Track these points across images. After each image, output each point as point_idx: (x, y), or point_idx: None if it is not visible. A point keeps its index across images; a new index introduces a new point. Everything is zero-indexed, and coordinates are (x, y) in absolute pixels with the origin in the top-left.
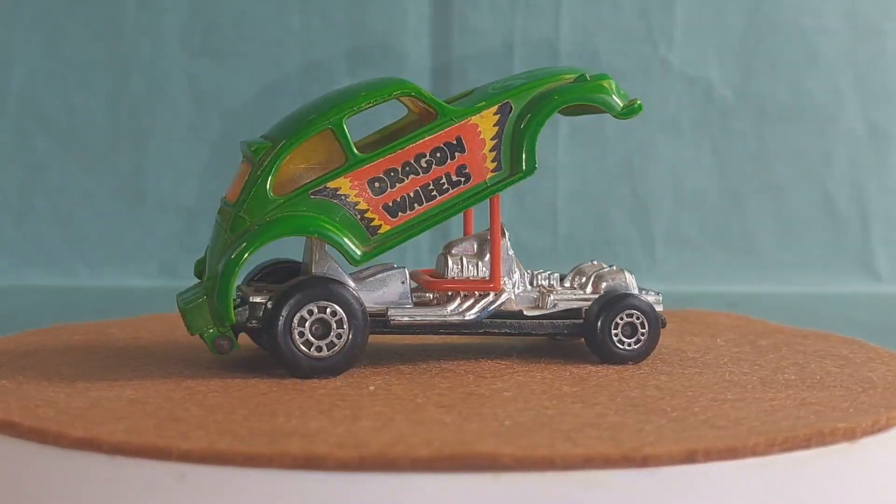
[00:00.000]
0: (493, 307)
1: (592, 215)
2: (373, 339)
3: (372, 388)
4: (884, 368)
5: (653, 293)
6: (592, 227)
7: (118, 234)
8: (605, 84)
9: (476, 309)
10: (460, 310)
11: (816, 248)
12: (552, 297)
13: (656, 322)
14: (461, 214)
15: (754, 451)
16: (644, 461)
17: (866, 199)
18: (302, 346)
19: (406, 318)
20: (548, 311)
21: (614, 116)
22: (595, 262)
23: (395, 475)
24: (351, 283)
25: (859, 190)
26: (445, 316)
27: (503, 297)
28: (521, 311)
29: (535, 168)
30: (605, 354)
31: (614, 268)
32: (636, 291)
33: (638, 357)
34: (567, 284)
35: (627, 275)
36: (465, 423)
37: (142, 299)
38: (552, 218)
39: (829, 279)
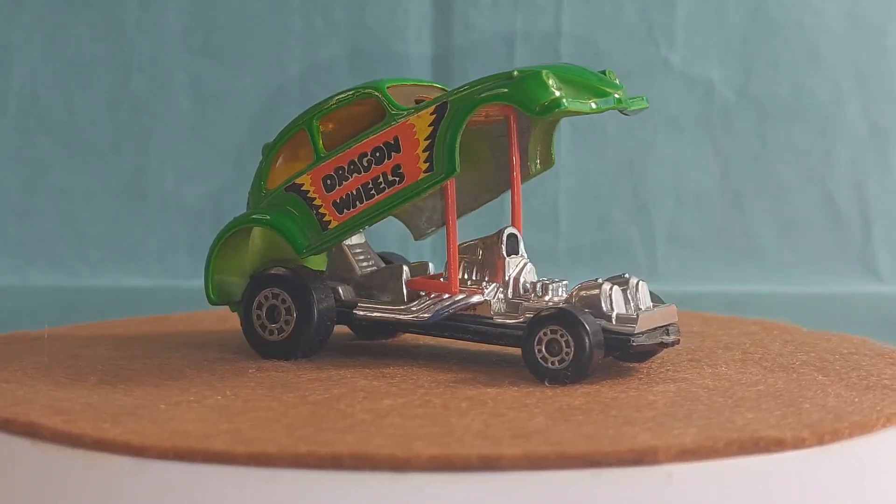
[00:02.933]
0: (448, 309)
1: (594, 215)
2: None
3: (252, 370)
4: None
5: (628, 312)
6: (594, 227)
7: (120, 233)
8: (532, 82)
9: (433, 310)
10: (417, 310)
11: (817, 248)
12: (524, 307)
13: (586, 342)
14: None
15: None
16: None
17: (868, 199)
18: (258, 328)
19: (363, 313)
20: (519, 321)
21: (531, 115)
22: (626, 275)
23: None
24: (322, 275)
25: (861, 190)
26: (401, 314)
27: (472, 301)
28: (492, 318)
29: (454, 170)
30: (533, 370)
31: (598, 280)
32: (606, 306)
33: (566, 377)
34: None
35: (605, 287)
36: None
37: (143, 299)
38: (553, 218)
39: (830, 279)
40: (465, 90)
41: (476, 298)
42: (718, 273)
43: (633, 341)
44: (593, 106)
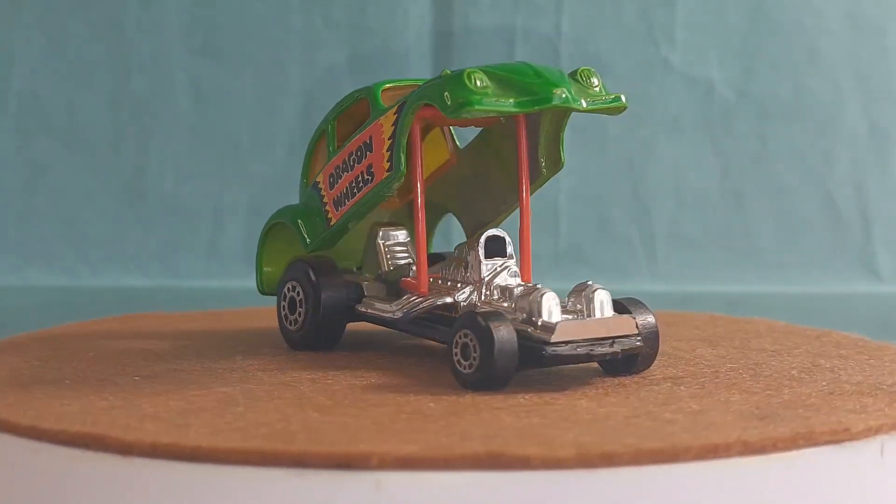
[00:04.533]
0: (415, 309)
1: (594, 215)
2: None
3: (239, 358)
4: None
5: (552, 320)
6: (594, 228)
7: (119, 233)
8: (452, 81)
9: (404, 310)
10: (393, 308)
11: (817, 249)
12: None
13: (492, 348)
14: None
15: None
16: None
17: (867, 199)
18: (283, 319)
19: (362, 309)
20: None
21: (445, 115)
22: (589, 283)
23: None
24: (333, 270)
25: (860, 190)
26: (383, 313)
27: (440, 301)
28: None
29: (397, 171)
30: (453, 374)
31: (538, 286)
32: (535, 313)
33: (474, 383)
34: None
35: (535, 294)
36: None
37: (143, 299)
38: (554, 218)
39: (830, 279)
40: (417, 89)
41: (447, 299)
42: (718, 273)
43: (547, 350)
44: (511, 103)
